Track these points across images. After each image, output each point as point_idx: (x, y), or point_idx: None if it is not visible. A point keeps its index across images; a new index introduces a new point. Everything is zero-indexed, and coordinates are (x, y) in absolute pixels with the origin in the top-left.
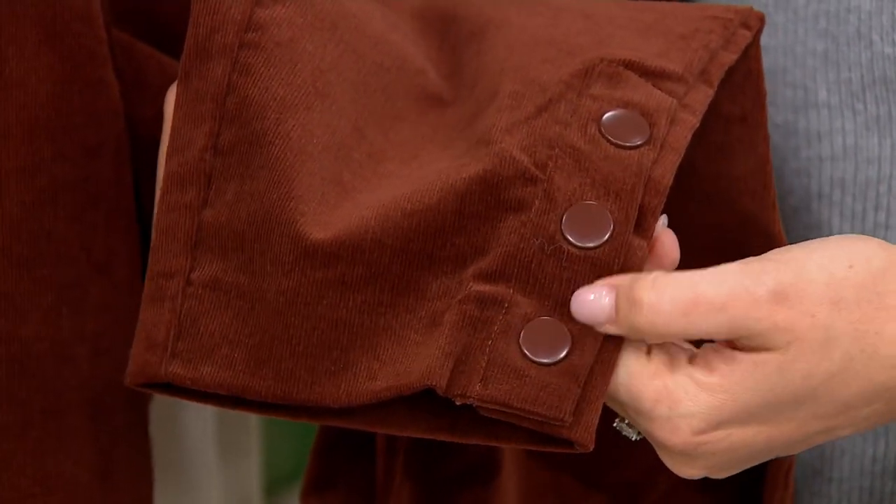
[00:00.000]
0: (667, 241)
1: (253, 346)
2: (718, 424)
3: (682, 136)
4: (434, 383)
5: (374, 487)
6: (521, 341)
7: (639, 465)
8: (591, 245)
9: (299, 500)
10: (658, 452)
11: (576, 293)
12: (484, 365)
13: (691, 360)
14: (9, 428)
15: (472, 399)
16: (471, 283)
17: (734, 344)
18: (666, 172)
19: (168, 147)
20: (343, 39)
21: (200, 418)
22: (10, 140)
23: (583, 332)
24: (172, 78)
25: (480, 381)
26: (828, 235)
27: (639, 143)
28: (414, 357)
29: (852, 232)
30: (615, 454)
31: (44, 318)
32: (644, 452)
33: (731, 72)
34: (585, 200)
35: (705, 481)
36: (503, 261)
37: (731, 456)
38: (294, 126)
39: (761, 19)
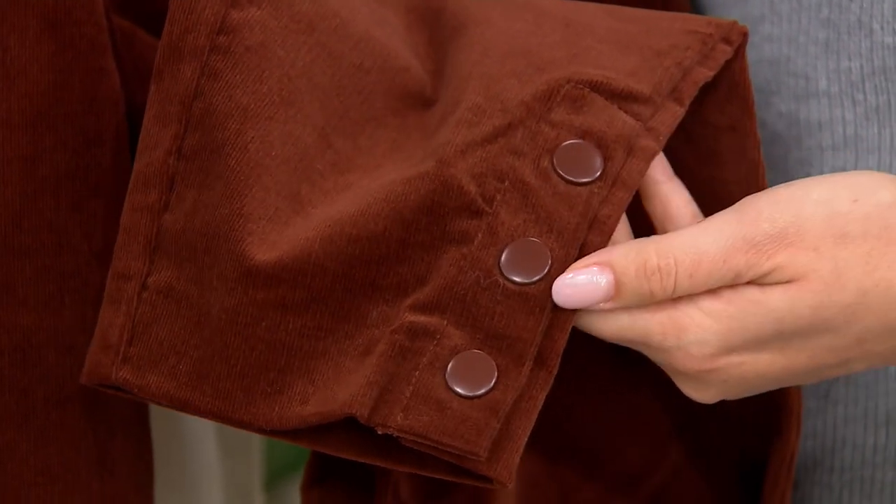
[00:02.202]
0: (679, 201)
1: (197, 360)
2: (730, 350)
3: (636, 171)
4: (356, 412)
5: (374, 478)
6: (447, 374)
7: (638, 455)
8: (525, 281)
9: (300, 491)
10: (673, 379)
11: (562, 279)
12: (408, 395)
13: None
14: (11, 417)
15: (391, 429)
16: (406, 314)
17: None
18: (613, 212)
19: (138, 146)
20: (319, 42)
21: None
22: (12, 129)
23: (509, 367)
24: None
25: (402, 412)
26: None
27: (590, 179)
28: (344, 384)
29: None
30: (615, 444)
31: (45, 307)
32: (643, 443)
33: (715, 84)
34: (528, 237)
35: (705, 471)
36: (439, 293)
37: (745, 384)
38: (253, 137)
39: (744, 34)
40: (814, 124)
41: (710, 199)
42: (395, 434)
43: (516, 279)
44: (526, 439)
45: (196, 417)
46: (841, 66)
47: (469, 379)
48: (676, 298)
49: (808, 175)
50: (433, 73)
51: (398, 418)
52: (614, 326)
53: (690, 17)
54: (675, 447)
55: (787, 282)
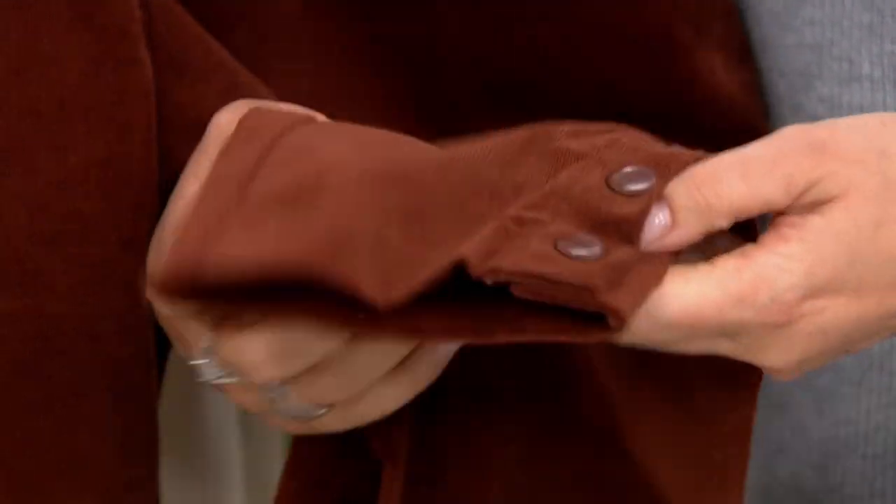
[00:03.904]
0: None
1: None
2: (814, 292)
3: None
4: (467, 258)
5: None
6: (556, 243)
7: None
8: (633, 189)
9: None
10: (758, 357)
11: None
12: (518, 251)
13: (760, 242)
14: (35, 405)
15: (503, 273)
16: (513, 211)
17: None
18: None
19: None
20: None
21: (223, 398)
22: (43, 118)
23: (616, 243)
24: (216, 65)
25: (513, 260)
26: None
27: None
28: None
29: None
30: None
31: (72, 296)
32: None
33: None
34: (632, 164)
35: None
36: (546, 196)
37: (824, 339)
38: None
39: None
40: (855, 108)
41: None
42: (507, 278)
43: (623, 189)
44: (645, 294)
45: (217, 402)
46: (884, 50)
47: (578, 248)
48: (748, 256)
49: None
50: None
51: (509, 263)
52: (713, 305)
53: None
54: None
55: (839, 196)
